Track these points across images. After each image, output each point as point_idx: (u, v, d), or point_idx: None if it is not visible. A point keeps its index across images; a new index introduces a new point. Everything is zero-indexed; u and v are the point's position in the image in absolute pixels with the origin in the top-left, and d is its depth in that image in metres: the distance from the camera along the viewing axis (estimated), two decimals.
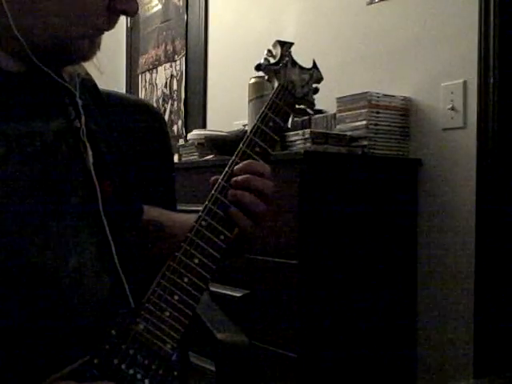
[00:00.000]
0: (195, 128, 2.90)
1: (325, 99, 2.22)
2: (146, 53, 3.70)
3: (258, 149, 0.83)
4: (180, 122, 3.34)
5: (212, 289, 1.33)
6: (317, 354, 1.84)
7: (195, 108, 3.23)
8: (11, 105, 0.75)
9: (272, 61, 0.88)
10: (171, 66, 3.45)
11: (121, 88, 3.83)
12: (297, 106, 0.89)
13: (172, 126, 3.36)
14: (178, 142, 2.72)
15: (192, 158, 2.51)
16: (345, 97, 2.06)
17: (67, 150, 0.79)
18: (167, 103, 3.48)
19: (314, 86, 0.90)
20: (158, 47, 3.58)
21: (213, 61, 3.13)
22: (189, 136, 2.60)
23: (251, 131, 0.83)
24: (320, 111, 2.22)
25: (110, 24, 0.78)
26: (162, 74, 3.54)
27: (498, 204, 1.84)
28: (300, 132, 1.97)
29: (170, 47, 3.46)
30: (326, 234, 1.87)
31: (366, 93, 2.00)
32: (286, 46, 0.89)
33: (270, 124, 0.83)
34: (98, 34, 0.79)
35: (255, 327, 1.91)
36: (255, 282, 1.96)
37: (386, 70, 2.20)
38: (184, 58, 3.32)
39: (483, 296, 1.85)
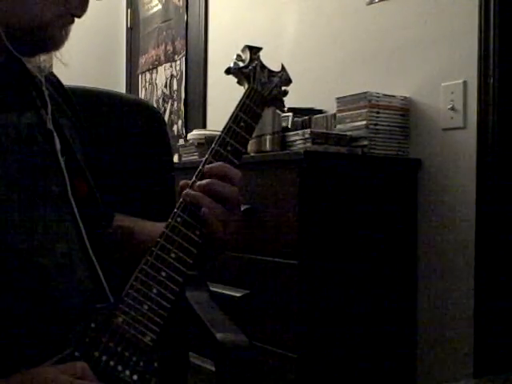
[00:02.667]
0: (195, 128, 2.90)
1: (325, 99, 2.24)
2: (146, 53, 3.70)
3: (229, 147, 0.85)
4: (180, 122, 3.34)
5: (212, 289, 1.33)
6: (317, 354, 1.84)
7: (195, 108, 3.23)
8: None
9: (241, 65, 0.91)
10: (171, 66, 3.45)
11: (121, 88, 3.83)
12: (267, 107, 0.92)
13: (172, 126, 3.36)
14: (178, 141, 2.72)
15: (192, 158, 2.51)
16: (345, 97, 2.06)
17: (43, 141, 0.80)
18: (167, 103, 3.48)
19: (284, 88, 0.93)
20: (158, 47, 3.58)
21: (213, 61, 3.13)
22: (189, 136, 2.60)
23: (223, 131, 0.86)
24: (320, 111, 2.22)
25: (82, 8, 0.80)
26: (161, 74, 3.54)
27: (498, 204, 1.84)
28: (300, 132, 1.98)
29: (170, 47, 3.46)
30: (326, 234, 1.87)
31: (366, 93, 2.00)
32: (254, 50, 0.93)
33: (242, 124, 0.87)
34: (70, 20, 0.80)
35: (255, 327, 1.91)
36: (255, 282, 1.96)
37: (386, 70, 2.20)
38: (184, 58, 3.32)
39: (483, 296, 1.85)
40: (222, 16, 3.09)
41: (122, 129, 1.22)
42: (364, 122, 1.98)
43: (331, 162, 1.93)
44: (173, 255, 0.79)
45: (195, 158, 2.47)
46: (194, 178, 0.84)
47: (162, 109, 3.47)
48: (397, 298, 2.02)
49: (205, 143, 2.37)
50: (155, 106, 3.43)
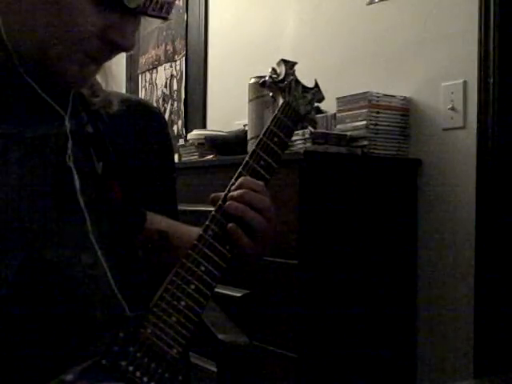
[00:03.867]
0: (195, 128, 2.90)
1: (325, 99, 2.24)
2: (146, 53, 3.70)
3: (262, 162, 0.85)
4: (180, 122, 3.34)
5: None
6: (317, 354, 1.84)
7: (195, 108, 3.23)
8: (24, 107, 0.76)
9: (277, 79, 0.90)
10: (171, 66, 3.45)
11: (121, 88, 3.83)
12: (300, 123, 0.92)
13: (172, 126, 3.36)
14: (178, 141, 2.72)
15: (192, 158, 2.51)
16: (345, 97, 2.06)
17: (78, 151, 0.79)
18: (167, 103, 3.48)
19: (316, 105, 0.93)
20: (158, 47, 3.58)
21: (213, 61, 3.13)
22: (189, 136, 2.61)
23: (257, 145, 0.85)
24: (320, 111, 2.22)
25: (103, 54, 0.76)
26: (161, 74, 3.54)
27: (497, 204, 1.84)
28: (300, 132, 1.97)
29: (169, 47, 3.46)
30: (326, 234, 1.87)
31: (366, 93, 2.00)
32: (289, 64, 0.92)
33: (275, 139, 0.86)
34: (88, 62, 0.76)
35: (255, 327, 1.91)
36: (255, 282, 1.96)
37: (386, 70, 2.20)
38: (184, 58, 3.32)
39: (483, 296, 1.85)
40: (222, 16, 3.09)
41: (122, 129, 1.22)
42: (364, 122, 1.98)
43: (331, 162, 1.93)
44: (202, 268, 0.80)
45: (195, 157, 2.47)
46: (226, 191, 0.83)
47: (162, 109, 3.47)
48: (397, 297, 2.02)
49: (205, 143, 2.37)
50: (155, 106, 3.43)
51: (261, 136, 0.86)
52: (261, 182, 0.84)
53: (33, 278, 0.72)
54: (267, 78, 0.91)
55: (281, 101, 0.89)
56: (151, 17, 0.76)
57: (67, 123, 0.80)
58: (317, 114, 0.94)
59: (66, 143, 0.78)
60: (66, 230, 0.76)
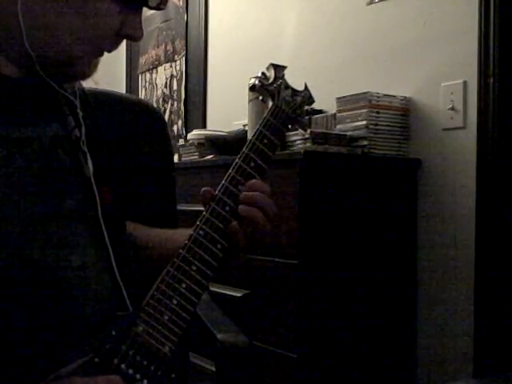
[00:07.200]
0: (195, 128, 2.90)
1: (325, 99, 2.24)
2: (146, 53, 3.71)
3: (253, 164, 0.86)
4: (180, 122, 3.34)
5: (212, 289, 1.33)
6: (317, 354, 1.84)
7: (195, 108, 3.23)
8: (11, 109, 0.77)
9: (266, 82, 0.92)
10: (171, 66, 3.45)
11: (121, 88, 3.83)
12: (290, 126, 0.93)
13: (172, 126, 3.36)
14: (178, 142, 2.72)
15: (192, 157, 2.51)
16: (345, 97, 2.06)
17: (64, 155, 0.81)
18: (167, 103, 3.48)
19: (306, 107, 0.94)
20: (158, 47, 3.58)
21: (213, 61, 3.13)
22: (189, 136, 2.61)
23: (247, 147, 0.87)
24: (320, 111, 2.22)
25: (114, 46, 0.81)
26: (161, 74, 3.54)
27: (497, 204, 1.84)
28: (300, 132, 1.97)
29: (169, 47, 3.46)
30: (326, 234, 1.87)
31: (366, 93, 2.00)
32: (279, 68, 0.93)
33: (265, 141, 0.87)
34: (100, 55, 0.81)
35: (255, 327, 1.91)
36: (255, 282, 1.96)
37: (386, 69, 2.20)
38: (184, 58, 3.32)
39: (483, 296, 1.85)
40: (222, 16, 3.09)
41: (122, 129, 1.22)
42: (364, 122, 1.98)
43: (331, 162, 1.93)
44: (194, 267, 0.80)
45: (195, 157, 2.47)
46: (217, 192, 0.84)
47: (162, 109, 3.47)
48: (397, 297, 2.02)
49: (205, 143, 2.37)
50: (155, 106, 3.43)
51: (250, 138, 0.87)
52: (268, 186, 0.85)
53: (19, 277, 0.72)
54: (256, 82, 0.92)
55: (270, 104, 0.90)
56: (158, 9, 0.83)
57: (79, 111, 0.84)
58: (307, 116, 0.95)
59: (55, 145, 0.80)
60: (55, 231, 0.76)
